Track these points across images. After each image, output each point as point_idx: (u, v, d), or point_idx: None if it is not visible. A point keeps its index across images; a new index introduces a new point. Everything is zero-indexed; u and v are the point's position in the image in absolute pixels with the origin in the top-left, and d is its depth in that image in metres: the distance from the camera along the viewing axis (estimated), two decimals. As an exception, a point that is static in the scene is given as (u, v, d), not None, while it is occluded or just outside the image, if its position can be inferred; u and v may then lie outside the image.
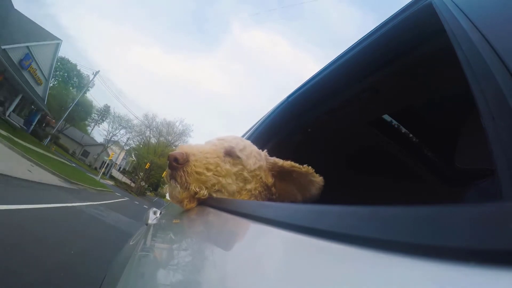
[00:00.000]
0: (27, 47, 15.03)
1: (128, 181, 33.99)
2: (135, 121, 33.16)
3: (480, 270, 0.11)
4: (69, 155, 26.85)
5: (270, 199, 0.75)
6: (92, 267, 2.68)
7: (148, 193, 35.12)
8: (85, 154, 34.54)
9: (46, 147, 17.39)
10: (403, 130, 1.04)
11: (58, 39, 19.10)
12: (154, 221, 1.12)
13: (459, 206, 0.15)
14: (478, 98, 0.27)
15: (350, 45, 0.81)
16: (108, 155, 28.44)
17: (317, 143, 1.16)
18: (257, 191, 0.73)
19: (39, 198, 4.79)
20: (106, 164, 25.59)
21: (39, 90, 18.07)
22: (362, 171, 1.18)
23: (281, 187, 0.76)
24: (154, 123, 30.35)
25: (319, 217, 0.25)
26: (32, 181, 5.73)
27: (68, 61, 32.51)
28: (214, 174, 0.66)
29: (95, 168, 30.50)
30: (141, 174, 29.07)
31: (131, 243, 1.31)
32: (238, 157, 0.70)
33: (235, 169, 0.69)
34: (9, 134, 10.06)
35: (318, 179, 0.69)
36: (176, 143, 28.00)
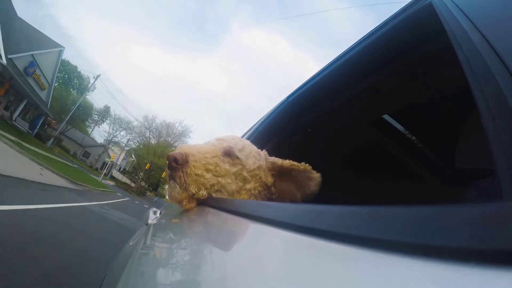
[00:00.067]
0: (32, 55, 15.93)
1: (128, 181, 34.05)
2: (135, 123, 33.40)
3: (480, 270, 0.11)
4: (71, 156, 27.26)
5: (269, 199, 0.75)
6: (109, 246, 3.79)
7: (148, 193, 35.17)
8: (86, 155, 34.90)
9: (49, 149, 18.15)
10: (403, 130, 1.04)
11: (61, 46, 20.15)
12: (154, 221, 1.12)
13: (459, 206, 0.15)
14: (478, 98, 0.27)
15: (350, 45, 0.81)
16: (109, 156, 28.63)
17: (317, 143, 1.16)
18: (257, 191, 0.73)
19: (55, 198, 5.61)
20: (107, 165, 25.77)
21: (42, 95, 19.09)
22: (362, 171, 1.18)
23: (280, 186, 0.76)
24: (154, 124, 30.61)
25: (319, 217, 0.25)
26: (44, 184, 6.39)
27: (69, 63, 32.67)
28: (213, 175, 0.66)
29: (96, 169, 30.78)
30: (141, 174, 29.14)
31: (131, 243, 1.31)
32: (237, 157, 0.70)
33: (234, 169, 0.69)
34: (17, 139, 10.80)
35: (316, 175, 0.70)
36: (176, 144, 28.12)
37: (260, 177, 0.74)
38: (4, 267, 2.03)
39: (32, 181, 5.70)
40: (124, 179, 35.38)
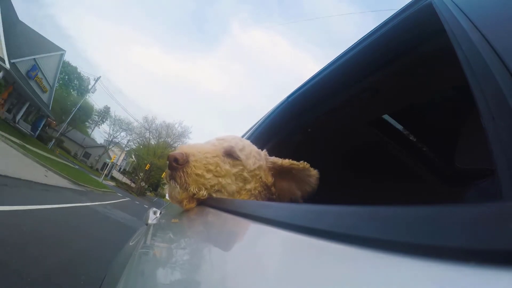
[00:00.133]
0: (34, 59, 16.42)
1: (128, 182, 34.07)
2: (135, 124, 33.49)
3: (480, 270, 0.11)
4: (72, 157, 27.47)
5: (270, 199, 0.75)
6: (118, 239, 4.30)
7: (148, 193, 35.18)
8: (87, 155, 35.08)
9: (51, 150, 18.59)
10: (403, 130, 1.04)
11: (62, 49, 20.80)
12: (154, 221, 1.12)
13: (459, 206, 0.15)
14: (478, 98, 0.27)
15: (350, 45, 0.81)
16: (109, 157, 28.75)
17: (317, 143, 1.16)
18: (257, 191, 0.73)
19: (61, 199, 6.03)
20: (107, 166, 25.90)
21: (44, 97, 19.58)
22: (362, 171, 1.18)
23: (280, 185, 0.76)
24: (153, 125, 30.70)
25: (319, 217, 0.25)
26: (50, 185, 6.75)
27: (69, 64, 32.75)
28: (214, 175, 0.66)
29: (97, 170, 30.92)
30: (141, 174, 29.16)
31: (130, 243, 1.31)
32: (238, 157, 0.70)
33: (234, 170, 0.69)
34: (21, 142, 11.11)
35: (314, 172, 0.71)
36: (175, 145, 28.19)
37: (261, 177, 0.74)
38: (35, 255, 2.58)
39: (39, 183, 6.08)
40: (124, 179, 35.41)
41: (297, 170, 0.72)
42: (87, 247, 3.54)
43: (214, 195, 0.66)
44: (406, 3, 0.64)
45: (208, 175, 0.65)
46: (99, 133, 38.45)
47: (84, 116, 31.09)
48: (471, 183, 0.78)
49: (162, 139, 30.30)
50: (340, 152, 1.20)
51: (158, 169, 27.33)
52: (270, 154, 0.80)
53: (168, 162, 0.66)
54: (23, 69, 15.30)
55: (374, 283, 0.15)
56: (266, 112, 1.27)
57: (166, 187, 0.71)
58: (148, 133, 30.57)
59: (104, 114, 35.28)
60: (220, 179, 0.66)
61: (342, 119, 1.01)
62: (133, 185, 30.89)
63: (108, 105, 37.10)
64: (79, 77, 33.71)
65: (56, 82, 21.48)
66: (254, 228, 0.35)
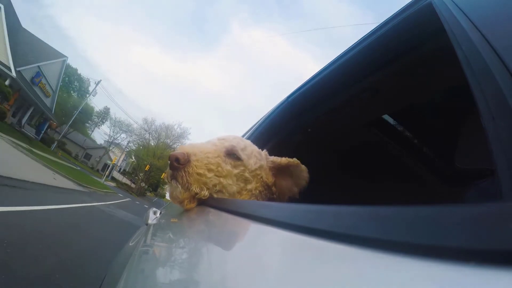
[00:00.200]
0: (38, 66, 17.79)
1: (128, 182, 34.09)
2: (135, 125, 33.58)
3: (480, 270, 0.11)
4: (73, 158, 27.98)
5: (270, 199, 0.75)
6: (123, 232, 5.26)
7: (148, 194, 35.20)
8: (87, 156, 35.37)
9: (53, 152, 19.54)
10: (403, 130, 1.04)
11: (64, 56, 22.39)
12: (154, 221, 1.12)
13: (459, 206, 0.15)
14: (478, 98, 0.27)
15: (350, 45, 0.81)
16: (110, 158, 28.85)
17: (317, 143, 1.15)
18: (258, 191, 0.73)
19: (73, 199, 6.80)
20: (108, 167, 26.04)
21: (47, 101, 20.98)
22: (362, 171, 1.18)
23: (280, 184, 0.76)
24: (153, 126, 30.81)
25: (318, 217, 0.25)
26: (60, 187, 7.45)
27: (69, 65, 32.79)
28: (215, 175, 0.66)
29: (97, 170, 31.15)
30: (141, 175, 29.19)
31: (130, 244, 1.31)
32: (239, 157, 0.70)
33: (236, 171, 0.69)
34: (28, 146, 12.02)
35: (304, 167, 0.74)
36: (175, 146, 28.25)
37: (261, 177, 0.74)
38: (75, 238, 3.73)
39: (50, 186, 6.79)
40: (124, 179, 35.45)
41: (293, 167, 0.74)
42: (104, 236, 4.61)
43: (215, 195, 0.66)
44: (406, 3, 0.64)
45: (210, 175, 0.65)
46: (99, 134, 38.60)
47: (84, 118, 31.31)
48: (471, 183, 0.78)
49: (162, 140, 30.37)
50: (340, 152, 1.20)
51: (158, 169, 27.42)
52: (270, 154, 0.80)
53: (169, 162, 0.65)
54: (28, 76, 16.48)
55: (374, 283, 0.15)
56: (266, 112, 1.27)
57: (166, 187, 0.71)
58: (147, 135, 30.71)
59: (104, 115, 35.44)
60: (221, 179, 0.66)
61: (342, 119, 1.01)
62: (133, 185, 30.91)
63: (108, 106, 37.21)
64: (79, 78, 33.90)
65: (58, 86, 22.53)
66: (254, 228, 0.35)
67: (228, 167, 0.68)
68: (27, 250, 2.55)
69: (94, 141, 38.63)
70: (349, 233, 0.19)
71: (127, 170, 42.31)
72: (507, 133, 0.22)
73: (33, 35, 20.64)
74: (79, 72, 33.87)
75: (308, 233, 0.23)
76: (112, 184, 25.00)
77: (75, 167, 17.54)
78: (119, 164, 37.93)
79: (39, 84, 18.26)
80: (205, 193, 0.64)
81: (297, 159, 0.75)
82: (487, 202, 0.14)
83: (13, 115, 17.99)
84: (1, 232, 2.64)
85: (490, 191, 0.63)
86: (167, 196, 0.72)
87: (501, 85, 0.24)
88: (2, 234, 2.59)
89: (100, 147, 36.98)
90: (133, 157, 34.23)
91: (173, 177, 0.65)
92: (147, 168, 26.96)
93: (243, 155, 0.71)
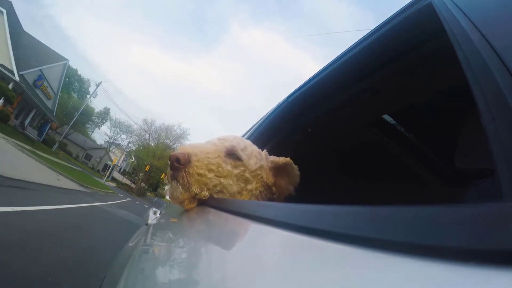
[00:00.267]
0: (40, 69, 18.38)
1: (128, 182, 34.11)
2: (135, 126, 33.66)
3: (480, 270, 0.11)
4: (73, 159, 28.21)
5: (270, 199, 0.75)
6: (126, 229, 5.78)
7: (148, 194, 35.21)
8: (88, 157, 35.52)
9: (55, 153, 20.00)
10: (403, 130, 1.04)
11: (66, 59, 23.12)
12: (154, 221, 1.12)
13: (459, 206, 0.15)
14: (478, 98, 0.27)
15: (350, 45, 0.81)
16: (111, 159, 28.95)
17: (317, 143, 1.15)
18: (258, 191, 0.73)
19: (77, 200, 7.22)
20: (109, 167, 26.15)
21: (49, 103, 21.67)
22: (362, 171, 1.18)
23: (279, 183, 0.77)
24: (153, 127, 30.90)
25: (318, 217, 0.25)
26: (64, 188, 7.85)
27: (69, 66, 32.85)
28: (216, 175, 0.66)
29: (98, 171, 31.27)
30: (141, 175, 29.23)
31: (130, 244, 1.31)
32: (240, 157, 0.70)
33: (236, 171, 0.69)
34: (32, 148, 12.39)
35: (295, 166, 0.76)
36: (174, 146, 28.29)
37: (262, 177, 0.74)
38: (90, 230, 4.51)
39: (54, 187, 7.11)
40: (124, 180, 35.48)
41: (290, 166, 0.75)
42: (110, 232, 5.14)
43: (215, 195, 0.66)
44: (406, 3, 0.64)
45: (210, 175, 0.65)
46: (99, 134, 38.70)
47: (85, 119, 31.48)
48: (471, 183, 0.78)
49: (161, 141, 30.42)
50: (340, 152, 1.20)
51: (158, 170, 27.48)
52: (270, 154, 0.80)
53: (169, 162, 0.65)
54: (30, 80, 16.76)
55: (374, 283, 0.15)
56: (266, 112, 1.27)
57: (167, 187, 0.71)
58: (147, 135, 30.78)
59: (104, 115, 35.55)
60: (222, 179, 0.66)
61: (342, 119, 1.01)
62: (133, 185, 30.93)
63: (108, 107, 37.33)
64: (80, 79, 34.06)
65: (60, 89, 23.18)
66: (254, 228, 0.35)
67: (229, 167, 0.68)
68: (43, 243, 3.01)
69: (94, 142, 38.76)
70: (349, 233, 0.19)
71: (127, 170, 42.35)
72: (507, 133, 0.22)
73: (34, 38, 21.19)
74: (79, 72, 34.08)
75: (308, 233, 0.23)
76: (113, 184, 25.07)
77: (76, 168, 17.77)
78: (119, 165, 37.97)
79: (41, 87, 18.89)
80: (206, 193, 0.64)
81: (297, 159, 0.75)
82: (487, 202, 0.14)
83: (16, 117, 18.34)
84: (21, 229, 3.09)
85: (490, 191, 0.63)
86: (167, 196, 0.72)
87: (501, 85, 0.24)
88: (22, 231, 3.05)
89: (100, 147, 37.13)
90: (133, 158, 34.28)
91: (174, 177, 0.65)
92: (147, 168, 27.02)
93: (243, 155, 0.71)
